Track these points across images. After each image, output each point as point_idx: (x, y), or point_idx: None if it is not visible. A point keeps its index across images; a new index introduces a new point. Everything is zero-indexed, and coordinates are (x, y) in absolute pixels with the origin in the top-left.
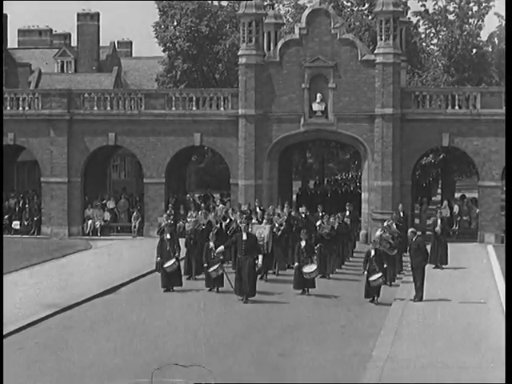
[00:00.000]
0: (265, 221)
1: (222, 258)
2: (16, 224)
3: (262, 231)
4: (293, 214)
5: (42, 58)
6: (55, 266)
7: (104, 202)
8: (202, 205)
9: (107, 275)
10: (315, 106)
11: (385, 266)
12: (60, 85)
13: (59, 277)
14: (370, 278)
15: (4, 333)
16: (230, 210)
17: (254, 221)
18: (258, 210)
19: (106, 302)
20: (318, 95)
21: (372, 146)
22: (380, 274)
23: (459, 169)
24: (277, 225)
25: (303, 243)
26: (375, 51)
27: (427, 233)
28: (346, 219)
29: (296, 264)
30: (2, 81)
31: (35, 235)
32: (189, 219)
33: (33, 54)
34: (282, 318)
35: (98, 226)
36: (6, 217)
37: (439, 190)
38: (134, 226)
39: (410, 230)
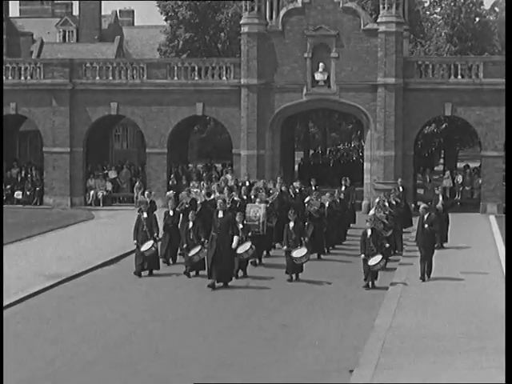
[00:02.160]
0: (258, 199)
1: (202, 240)
2: (18, 194)
3: (256, 210)
4: (283, 189)
5: (43, 28)
6: (57, 236)
7: (106, 172)
8: (204, 175)
9: (109, 245)
10: (317, 76)
11: (387, 245)
12: (62, 54)
13: (61, 247)
14: (370, 263)
15: (5, 303)
16: (215, 186)
17: (235, 198)
18: (247, 183)
19: (109, 273)
20: (321, 65)
21: (374, 116)
22: (380, 258)
23: (462, 138)
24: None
25: (292, 224)
26: (378, 20)
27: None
28: (341, 195)
29: (285, 248)
30: (3, 50)
31: (37, 205)
32: (192, 189)
33: (35, 24)
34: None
35: (100, 197)
36: (8, 187)
37: (441, 160)
38: (136, 197)
39: (421, 206)
